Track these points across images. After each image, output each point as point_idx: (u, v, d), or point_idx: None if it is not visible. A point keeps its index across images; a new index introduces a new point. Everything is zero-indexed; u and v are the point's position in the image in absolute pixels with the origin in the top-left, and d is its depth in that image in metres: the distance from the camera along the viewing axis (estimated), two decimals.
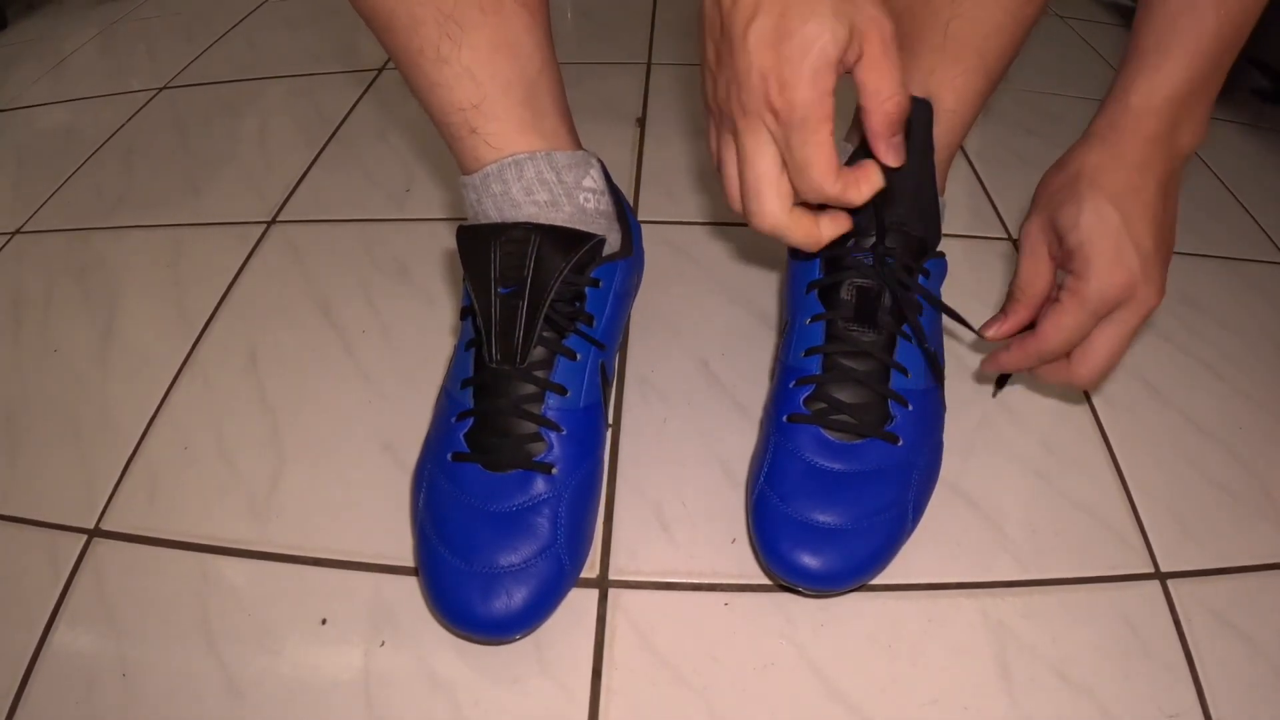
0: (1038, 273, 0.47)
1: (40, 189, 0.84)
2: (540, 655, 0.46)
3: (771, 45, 0.37)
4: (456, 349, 0.51)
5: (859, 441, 0.47)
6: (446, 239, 0.74)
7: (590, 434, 0.49)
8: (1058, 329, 0.45)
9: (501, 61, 0.47)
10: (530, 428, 0.47)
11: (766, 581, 0.49)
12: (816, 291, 0.51)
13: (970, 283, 0.70)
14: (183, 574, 0.50)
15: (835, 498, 0.46)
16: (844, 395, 0.48)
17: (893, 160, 0.40)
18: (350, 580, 0.49)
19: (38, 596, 0.49)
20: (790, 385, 0.50)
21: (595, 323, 0.49)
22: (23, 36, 1.20)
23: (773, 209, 0.40)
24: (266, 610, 0.48)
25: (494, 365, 0.47)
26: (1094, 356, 0.46)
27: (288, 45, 1.10)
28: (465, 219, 0.51)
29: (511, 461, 0.46)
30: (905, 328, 0.49)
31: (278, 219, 0.77)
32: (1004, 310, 0.49)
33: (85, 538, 0.52)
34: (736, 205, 0.43)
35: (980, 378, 0.60)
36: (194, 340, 0.65)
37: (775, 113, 0.37)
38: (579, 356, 0.48)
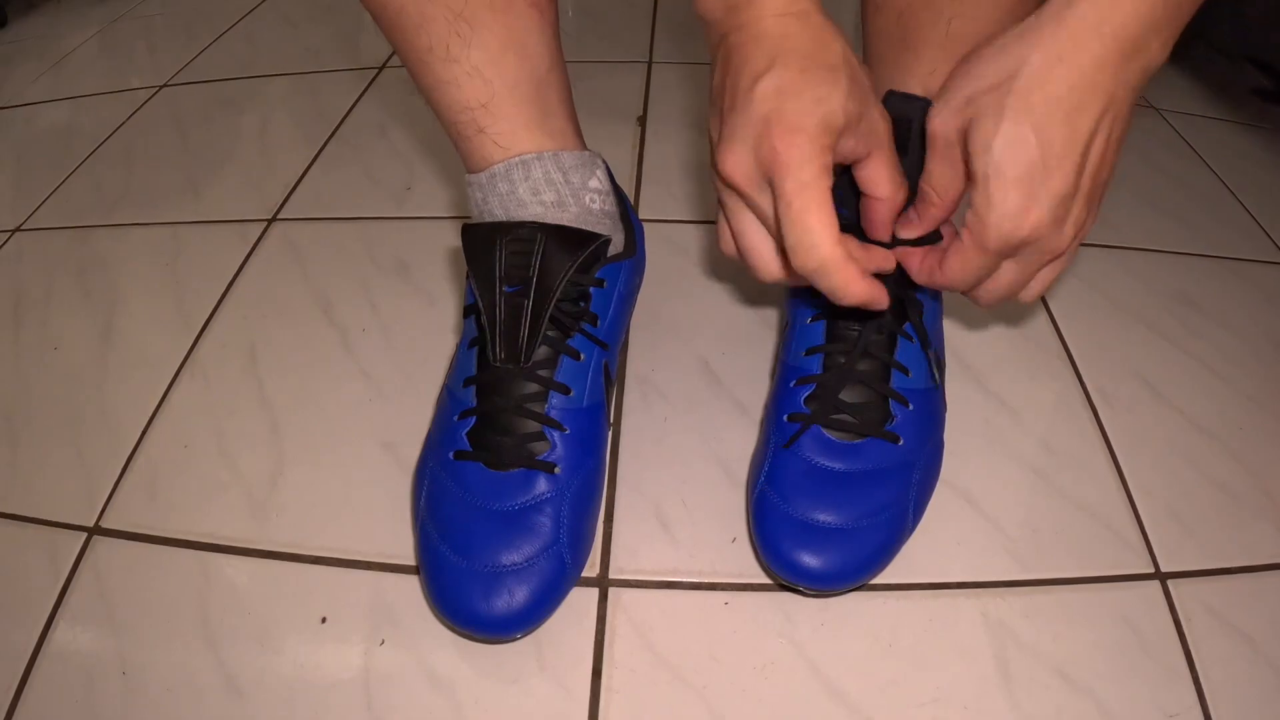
0: (951, 176, 0.41)
1: (40, 187, 0.84)
2: (540, 654, 0.46)
3: (781, 95, 0.36)
4: (459, 347, 0.51)
5: (859, 441, 0.47)
6: (447, 237, 0.74)
7: (593, 434, 0.49)
8: (960, 269, 0.40)
9: (510, 61, 0.47)
10: (533, 427, 0.47)
11: (766, 581, 0.49)
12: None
13: None
14: (183, 572, 0.50)
15: (835, 497, 0.46)
16: (845, 395, 0.48)
17: (886, 236, 0.42)
18: (350, 579, 0.49)
19: (37, 595, 0.49)
20: (791, 384, 0.50)
21: (599, 322, 0.50)
22: (23, 34, 1.20)
23: (771, 258, 0.40)
24: (266, 609, 0.48)
25: (498, 364, 0.47)
26: (994, 288, 0.41)
27: (288, 43, 1.10)
28: (468, 217, 0.51)
29: (514, 460, 0.46)
30: (906, 327, 0.49)
31: (278, 217, 0.77)
32: (916, 211, 0.44)
33: (85, 536, 0.52)
34: (775, 273, 0.42)
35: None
36: (194, 338, 0.65)
37: (774, 156, 0.36)
38: (583, 356, 0.48)
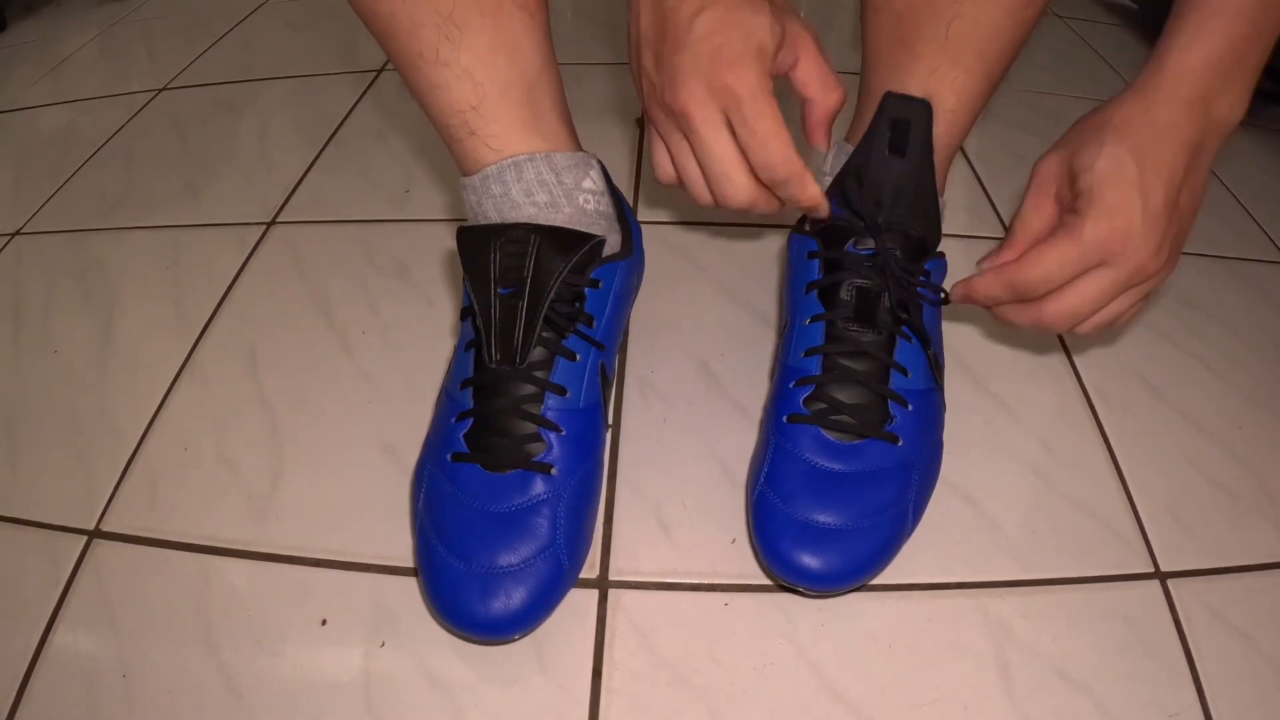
0: (1040, 211, 0.46)
1: (40, 190, 0.84)
2: (540, 655, 0.46)
3: (718, 31, 0.40)
4: (456, 349, 0.51)
5: (859, 442, 0.47)
6: (446, 240, 0.74)
7: (590, 434, 0.49)
8: (1041, 260, 0.43)
9: (500, 63, 0.47)
10: (530, 428, 0.47)
11: (766, 581, 0.49)
12: (816, 292, 0.51)
13: None
14: (183, 575, 0.50)
15: (835, 498, 0.46)
16: (844, 395, 0.48)
17: (824, 145, 0.45)
18: (350, 581, 0.49)
19: (38, 597, 0.49)
20: (790, 385, 0.50)
21: (595, 323, 0.49)
22: (22, 38, 1.20)
23: (744, 181, 0.43)
24: (267, 611, 0.48)
25: (494, 366, 0.47)
26: (1066, 299, 0.44)
27: (287, 46, 1.10)
28: (465, 220, 0.51)
29: (511, 462, 0.46)
30: (905, 328, 0.49)
31: (277, 220, 0.77)
32: (1001, 246, 0.47)
33: (85, 539, 0.52)
34: (706, 198, 0.45)
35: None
36: (194, 341, 0.65)
37: (727, 89, 0.40)
38: (579, 357, 0.48)
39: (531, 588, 0.43)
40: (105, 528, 0.53)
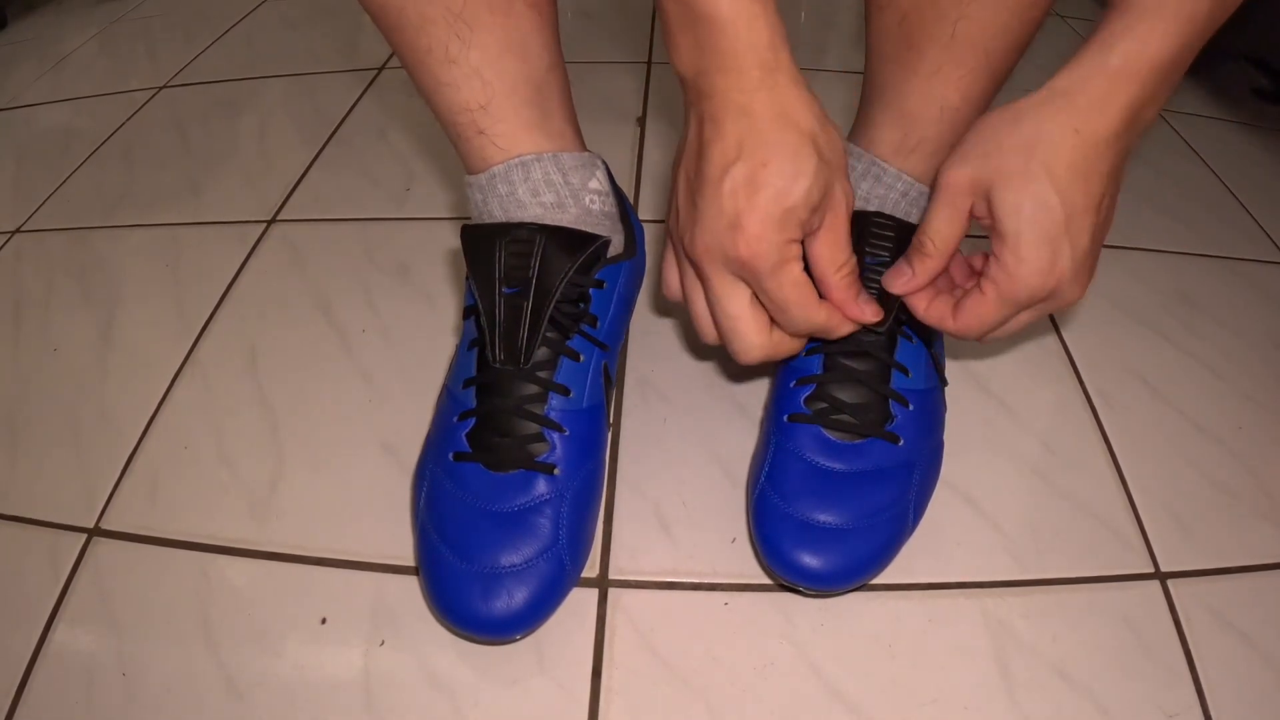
0: (953, 225, 0.43)
1: (40, 188, 0.84)
2: (540, 655, 0.46)
3: (746, 191, 0.38)
4: (459, 349, 0.51)
5: (860, 441, 0.47)
6: (447, 238, 0.74)
7: (593, 435, 0.49)
8: (979, 320, 0.42)
9: (510, 62, 0.47)
10: (533, 428, 0.47)
11: (766, 581, 0.49)
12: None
13: None
14: (182, 574, 0.50)
15: (836, 498, 0.46)
16: (845, 395, 0.48)
17: (873, 318, 0.44)
18: (350, 580, 0.49)
19: (37, 596, 0.49)
20: (791, 385, 0.50)
21: (599, 324, 0.49)
22: (22, 36, 1.20)
23: (755, 342, 0.43)
24: (266, 610, 0.48)
25: (497, 365, 0.47)
26: (995, 330, 0.43)
27: (287, 44, 1.10)
28: (467, 218, 0.51)
29: (514, 461, 0.46)
30: (905, 327, 0.49)
31: (277, 218, 0.77)
32: (910, 261, 0.45)
33: (85, 537, 0.52)
34: (710, 338, 0.45)
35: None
36: (194, 340, 0.65)
37: (743, 263, 0.39)
38: (582, 357, 0.48)
39: (534, 587, 0.43)
40: (105, 526, 0.53)
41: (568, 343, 0.48)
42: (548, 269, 0.46)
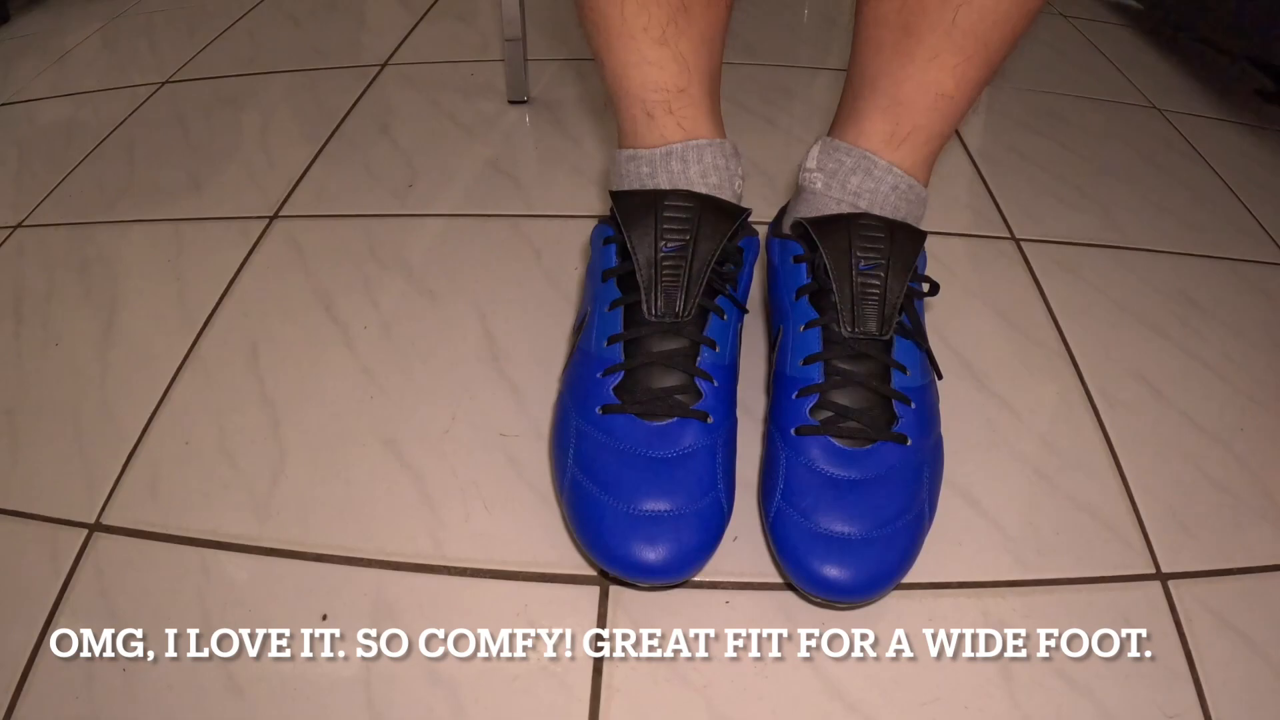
0: None
1: (42, 183, 0.84)
2: (540, 654, 0.46)
3: None
4: (591, 313, 0.52)
5: (869, 446, 0.47)
6: (448, 234, 0.74)
7: (733, 387, 0.51)
8: None
9: (705, 54, 0.51)
10: (685, 379, 0.49)
11: (768, 580, 0.49)
12: (807, 297, 0.50)
13: (973, 282, 0.70)
14: (183, 569, 0.50)
15: (856, 508, 0.45)
16: (848, 400, 0.48)
17: None
18: (351, 576, 0.49)
19: (38, 591, 0.49)
20: (793, 396, 0.49)
21: (736, 287, 0.53)
22: (25, 30, 1.20)
23: None
24: (267, 606, 0.48)
25: (653, 318, 0.49)
26: None
27: (290, 40, 1.10)
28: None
29: (668, 410, 0.48)
30: (903, 320, 0.49)
31: (280, 214, 0.77)
32: None
33: (86, 532, 0.52)
34: None
35: None
36: (195, 335, 0.65)
37: None
38: (726, 316, 0.51)
39: (699, 529, 0.45)
40: (106, 521, 0.53)
41: (717, 300, 0.50)
42: (706, 233, 0.49)
